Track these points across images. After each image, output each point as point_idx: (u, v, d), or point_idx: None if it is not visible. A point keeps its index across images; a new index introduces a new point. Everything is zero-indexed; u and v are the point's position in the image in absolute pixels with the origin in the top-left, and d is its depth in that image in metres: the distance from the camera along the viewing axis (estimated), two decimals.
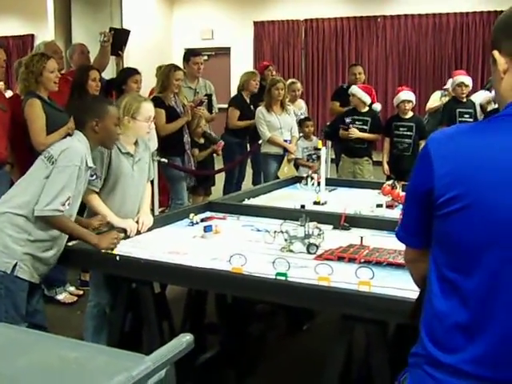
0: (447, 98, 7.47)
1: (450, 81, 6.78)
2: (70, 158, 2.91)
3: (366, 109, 6.32)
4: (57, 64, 4.39)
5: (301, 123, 6.59)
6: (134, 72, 5.21)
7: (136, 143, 3.57)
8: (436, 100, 8.53)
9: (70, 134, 4.16)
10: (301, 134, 6.52)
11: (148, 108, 3.60)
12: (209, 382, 3.39)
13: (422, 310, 1.51)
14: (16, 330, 1.90)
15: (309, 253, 2.99)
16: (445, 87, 8.62)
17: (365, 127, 6.27)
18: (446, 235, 1.42)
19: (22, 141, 4.35)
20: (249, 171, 7.23)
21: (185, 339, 1.56)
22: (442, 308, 1.41)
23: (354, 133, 6.18)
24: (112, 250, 3.00)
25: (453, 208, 1.38)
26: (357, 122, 6.25)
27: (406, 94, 6.31)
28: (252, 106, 6.76)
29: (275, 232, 3.20)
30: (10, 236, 2.90)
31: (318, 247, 3.03)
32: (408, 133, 6.21)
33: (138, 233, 3.40)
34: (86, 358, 1.66)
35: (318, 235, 3.11)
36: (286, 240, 3.09)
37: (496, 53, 1.45)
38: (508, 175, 1.34)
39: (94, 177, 3.31)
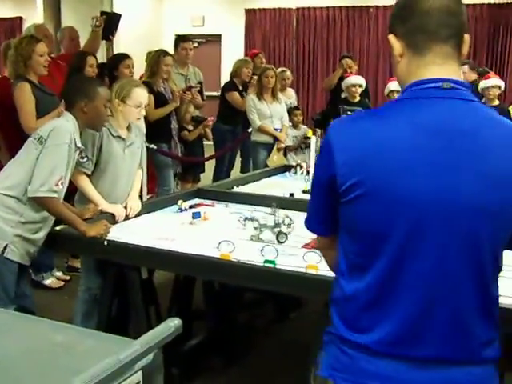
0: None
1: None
2: (59, 137, 2.90)
3: (358, 99, 6.37)
4: (47, 47, 4.34)
5: (290, 112, 6.59)
6: (125, 57, 5.17)
7: (129, 128, 3.55)
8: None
9: None
10: (290, 123, 6.52)
11: (140, 93, 3.57)
12: (195, 369, 3.40)
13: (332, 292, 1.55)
14: (3, 312, 1.89)
15: (278, 242, 2.97)
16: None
17: None
18: (350, 222, 1.45)
19: (10, 124, 4.33)
20: (238, 159, 7.22)
21: (173, 323, 1.56)
22: (350, 291, 1.46)
23: None
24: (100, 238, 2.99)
25: (353, 195, 1.40)
26: (349, 113, 6.27)
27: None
28: (244, 94, 6.76)
29: (245, 219, 3.19)
30: (0, 217, 2.89)
31: (287, 236, 3.01)
32: None
33: (127, 218, 3.40)
34: (73, 341, 1.66)
35: (288, 225, 3.08)
36: (255, 228, 3.08)
37: (392, 37, 1.49)
38: (400, 160, 1.36)
39: (86, 159, 3.30)
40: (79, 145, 3.06)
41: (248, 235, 3.09)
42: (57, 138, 2.90)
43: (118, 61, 5.10)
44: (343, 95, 6.65)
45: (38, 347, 1.64)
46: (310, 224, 1.62)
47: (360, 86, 6.46)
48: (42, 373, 1.49)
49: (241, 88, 6.82)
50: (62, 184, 2.91)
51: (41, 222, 2.98)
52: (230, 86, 6.86)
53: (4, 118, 4.40)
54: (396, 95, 6.25)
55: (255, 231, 3.07)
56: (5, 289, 2.92)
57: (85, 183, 3.36)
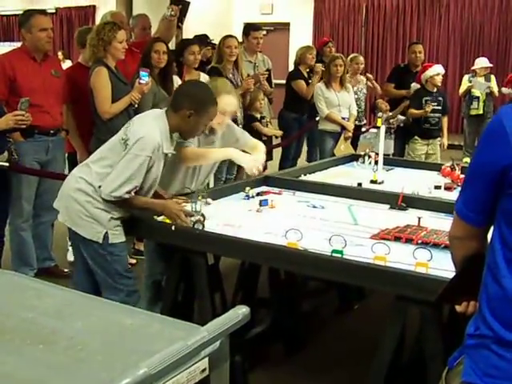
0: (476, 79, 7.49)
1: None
2: (143, 147, 2.85)
3: (435, 89, 6.27)
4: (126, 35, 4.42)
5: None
6: (190, 43, 5.14)
7: (212, 130, 3.47)
8: (465, 84, 8.61)
9: (132, 104, 4.23)
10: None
11: (226, 101, 3.39)
12: (258, 356, 3.40)
13: (479, 290, 1.46)
14: (72, 293, 1.93)
15: (195, 230, 2.89)
16: (472, 68, 8.68)
17: (439, 107, 6.26)
18: None
19: (81, 108, 4.43)
20: (304, 148, 7.17)
21: (241, 311, 1.56)
22: None
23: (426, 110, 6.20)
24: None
25: None
26: (432, 103, 6.20)
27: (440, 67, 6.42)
28: (310, 81, 6.71)
29: None
30: (95, 207, 2.93)
31: (203, 224, 2.92)
32: (438, 107, 6.29)
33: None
34: (141, 324, 1.68)
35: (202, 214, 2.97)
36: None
37: None
38: None
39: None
40: (166, 151, 2.98)
41: (315, 224, 3.06)
42: (140, 147, 2.85)
43: (184, 47, 5.09)
44: (413, 86, 6.53)
45: (107, 329, 1.66)
46: (462, 211, 1.53)
47: (441, 74, 6.36)
48: (110, 354, 1.50)
49: (306, 75, 6.77)
50: (135, 193, 2.91)
51: None
52: (296, 74, 6.81)
53: (77, 102, 4.49)
54: (437, 78, 6.15)
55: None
56: (124, 269, 3.04)
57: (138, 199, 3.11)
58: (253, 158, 3.31)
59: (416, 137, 6.31)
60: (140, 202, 3.00)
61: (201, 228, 2.91)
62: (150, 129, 2.92)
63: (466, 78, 9.48)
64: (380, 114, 5.98)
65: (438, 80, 6.26)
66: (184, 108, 2.95)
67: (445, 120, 6.41)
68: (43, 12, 4.33)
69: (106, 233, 2.94)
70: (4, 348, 1.55)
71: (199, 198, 3.07)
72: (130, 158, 2.85)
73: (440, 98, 6.32)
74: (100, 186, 2.91)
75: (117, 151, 2.92)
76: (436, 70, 6.29)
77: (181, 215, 2.94)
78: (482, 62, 9.51)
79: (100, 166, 2.96)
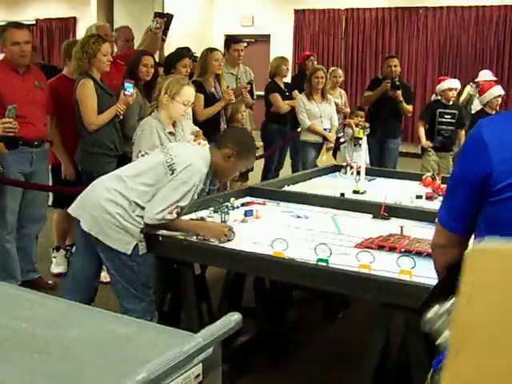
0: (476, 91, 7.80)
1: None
2: (191, 175, 2.93)
3: (451, 102, 6.41)
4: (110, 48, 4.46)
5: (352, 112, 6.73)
6: (182, 56, 5.17)
7: (174, 123, 3.72)
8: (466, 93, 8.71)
9: (117, 116, 4.26)
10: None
11: (188, 92, 3.69)
12: (244, 365, 3.43)
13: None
14: (68, 303, 1.95)
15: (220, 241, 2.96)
16: (476, 80, 8.73)
17: (453, 121, 6.36)
18: (500, 221, 1.42)
19: (66, 120, 4.45)
20: (287, 159, 7.23)
21: (233, 318, 1.60)
22: None
23: None
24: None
25: (510, 194, 1.37)
26: (445, 116, 6.30)
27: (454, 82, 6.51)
28: (287, 93, 6.79)
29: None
30: (126, 220, 2.95)
31: (234, 234, 3.00)
32: (452, 120, 6.37)
33: None
34: (135, 333, 1.71)
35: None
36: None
37: None
38: None
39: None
40: (202, 186, 3.07)
41: (300, 234, 3.11)
42: (189, 175, 2.93)
43: (177, 60, 5.11)
44: (433, 98, 6.72)
45: (101, 338, 1.68)
46: (445, 220, 1.58)
47: (456, 89, 6.48)
48: (106, 362, 1.53)
49: (283, 86, 6.84)
50: (176, 213, 2.95)
51: None
52: (272, 87, 6.86)
53: (61, 114, 4.52)
54: (450, 93, 6.24)
55: None
56: (148, 285, 3.06)
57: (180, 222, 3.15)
58: (218, 227, 3.11)
59: (429, 149, 6.39)
60: (182, 225, 3.04)
61: (232, 237, 2.98)
62: (196, 158, 3.02)
63: (467, 88, 9.25)
64: (362, 125, 6.10)
65: (450, 95, 6.37)
66: (228, 146, 3.07)
67: (462, 133, 6.45)
68: (17, 25, 4.22)
69: (136, 244, 2.97)
70: None
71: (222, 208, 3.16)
72: (178, 184, 2.92)
73: (455, 112, 6.39)
74: (135, 202, 2.95)
75: (159, 173, 2.97)
76: (447, 85, 6.40)
77: (226, 232, 2.98)
78: (485, 75, 9.39)
79: (137, 182, 2.99)
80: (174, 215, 2.93)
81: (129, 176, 3.04)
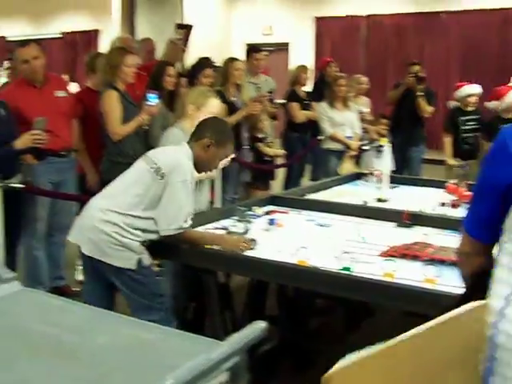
0: None
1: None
2: (184, 174, 2.95)
3: (471, 108, 6.33)
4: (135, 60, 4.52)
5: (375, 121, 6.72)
6: (205, 66, 5.22)
7: None
8: None
9: (141, 126, 4.31)
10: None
11: (214, 104, 3.74)
12: (266, 374, 3.43)
13: None
14: (93, 310, 1.98)
15: (249, 248, 2.97)
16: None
17: (476, 126, 6.26)
18: None
19: (92, 131, 4.52)
20: (308, 167, 7.23)
21: (259, 326, 1.60)
22: None
23: None
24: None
25: None
26: (468, 123, 6.24)
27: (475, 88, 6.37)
28: (307, 101, 6.82)
29: (212, 229, 3.24)
30: (124, 236, 2.95)
31: (256, 242, 3.00)
32: (476, 126, 6.24)
33: None
34: (161, 339, 1.72)
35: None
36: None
37: None
38: None
39: None
40: (196, 175, 3.11)
41: (323, 242, 3.12)
42: (183, 174, 2.94)
43: (199, 70, 5.16)
44: (452, 105, 6.62)
45: (127, 344, 1.70)
46: (470, 227, 1.59)
47: (477, 94, 6.34)
48: (134, 369, 1.55)
49: (303, 94, 6.85)
50: (191, 219, 2.97)
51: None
52: (291, 96, 6.90)
53: (86, 125, 4.60)
54: (471, 99, 6.15)
55: None
56: (160, 293, 3.07)
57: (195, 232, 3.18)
58: (233, 239, 3.10)
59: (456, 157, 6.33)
60: (198, 237, 3.05)
61: (254, 246, 2.99)
62: (180, 156, 3.04)
63: None
64: (383, 133, 6.08)
65: (471, 101, 6.25)
66: (205, 137, 3.09)
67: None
68: (23, 43, 4.31)
69: (139, 258, 2.98)
70: (28, 363, 1.59)
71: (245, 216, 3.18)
72: (174, 188, 2.92)
73: (476, 116, 6.28)
74: (130, 215, 2.95)
75: (147, 181, 2.98)
76: (468, 91, 6.30)
77: (242, 245, 2.98)
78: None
79: (127, 195, 3.00)
80: (189, 221, 2.95)
81: (117, 192, 3.06)
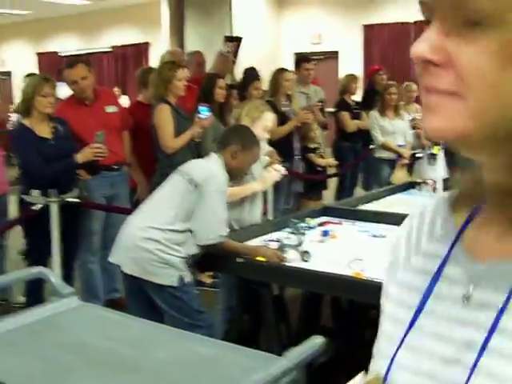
0: None
1: None
2: (217, 183, 3.00)
3: None
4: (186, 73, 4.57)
5: None
6: (254, 78, 5.27)
7: None
8: None
9: (193, 139, 4.36)
10: None
11: (269, 118, 3.78)
12: None
13: None
14: (155, 326, 2.00)
15: (303, 260, 2.94)
16: None
17: None
18: None
19: (143, 145, 4.58)
20: (360, 176, 7.18)
21: (317, 341, 1.60)
22: None
23: None
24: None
25: None
26: None
27: None
28: (358, 110, 6.78)
29: (266, 241, 3.21)
30: (166, 253, 2.98)
31: (310, 254, 2.98)
32: None
33: None
34: (219, 354, 1.73)
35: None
36: (278, 249, 3.05)
37: None
38: None
39: None
40: (229, 183, 3.15)
41: (377, 253, 3.08)
42: (216, 183, 2.99)
43: (249, 82, 5.21)
44: None
45: (186, 359, 1.72)
46: None
47: None
48: (196, 383, 1.56)
49: (353, 103, 6.82)
50: (227, 227, 3.01)
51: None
52: (341, 106, 6.88)
53: (137, 138, 4.66)
54: None
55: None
56: (200, 310, 3.09)
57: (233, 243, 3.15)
58: (272, 252, 3.07)
59: None
60: (240, 246, 3.08)
61: (309, 258, 2.98)
62: (211, 165, 3.09)
63: None
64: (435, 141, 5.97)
65: None
66: (230, 144, 3.14)
67: None
68: (71, 64, 4.37)
69: (180, 275, 3.00)
70: (89, 377, 1.62)
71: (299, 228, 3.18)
72: (209, 197, 2.96)
73: None
74: (169, 230, 2.98)
75: (181, 191, 3.02)
76: None
77: (277, 259, 2.98)
78: None
79: (164, 209, 3.04)
80: (226, 229, 2.97)
81: (154, 208, 3.10)
